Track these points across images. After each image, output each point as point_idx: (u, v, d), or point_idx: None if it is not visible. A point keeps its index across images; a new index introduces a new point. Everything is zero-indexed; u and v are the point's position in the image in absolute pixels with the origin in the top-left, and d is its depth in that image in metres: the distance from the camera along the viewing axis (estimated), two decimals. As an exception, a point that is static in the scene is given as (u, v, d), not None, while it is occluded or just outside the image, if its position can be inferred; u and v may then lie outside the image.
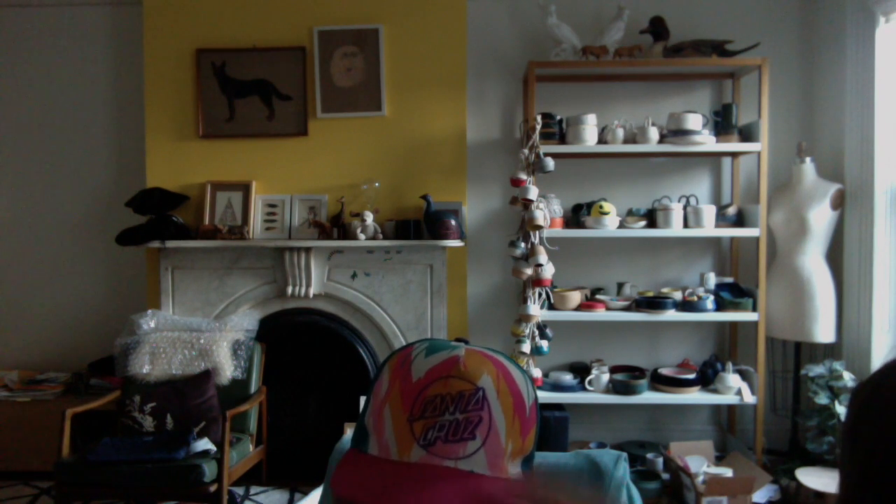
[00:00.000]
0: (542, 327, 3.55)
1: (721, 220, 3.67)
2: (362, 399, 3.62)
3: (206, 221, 3.75)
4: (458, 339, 0.83)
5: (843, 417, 3.18)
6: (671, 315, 3.61)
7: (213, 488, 2.94)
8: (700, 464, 3.31)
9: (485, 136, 3.98)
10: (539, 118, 3.56)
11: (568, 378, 3.67)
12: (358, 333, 3.78)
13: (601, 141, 3.66)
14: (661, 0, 3.85)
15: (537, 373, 3.54)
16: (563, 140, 3.65)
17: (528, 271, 3.48)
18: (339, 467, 0.76)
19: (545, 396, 3.62)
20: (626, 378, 3.67)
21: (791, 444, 3.73)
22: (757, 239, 3.59)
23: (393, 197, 3.78)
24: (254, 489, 3.57)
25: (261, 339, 3.64)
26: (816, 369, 3.37)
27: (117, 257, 4.07)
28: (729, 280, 3.80)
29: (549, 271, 3.47)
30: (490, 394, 0.76)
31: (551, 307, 3.66)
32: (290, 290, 3.71)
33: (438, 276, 3.73)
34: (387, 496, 0.71)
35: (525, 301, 3.53)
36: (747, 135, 3.67)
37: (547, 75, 3.82)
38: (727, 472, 3.23)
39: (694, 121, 3.57)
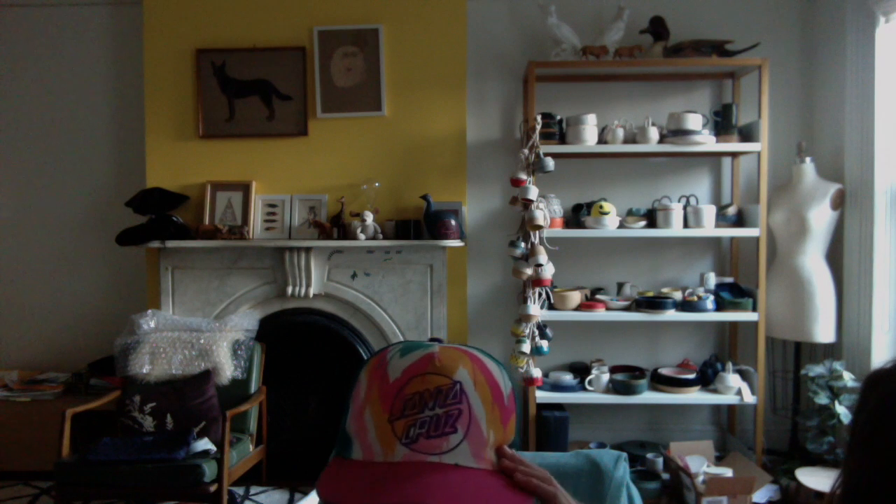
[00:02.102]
0: (542, 327, 3.55)
1: (721, 220, 3.67)
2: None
3: (206, 221, 3.75)
4: (432, 339, 0.84)
5: (843, 417, 3.18)
6: (671, 315, 3.61)
7: (213, 488, 2.94)
8: (700, 464, 3.31)
9: (485, 136, 3.98)
10: (539, 118, 3.56)
11: (568, 378, 3.67)
12: (358, 333, 3.78)
13: (601, 141, 3.66)
14: (661, 0, 3.85)
15: (537, 373, 3.53)
16: (563, 140, 3.65)
17: (528, 271, 3.48)
18: (325, 473, 0.77)
19: (545, 396, 3.62)
20: (626, 378, 3.67)
21: (791, 444, 3.73)
22: (757, 239, 3.59)
23: (393, 197, 3.78)
24: (254, 489, 3.57)
25: (261, 339, 3.64)
26: (816, 369, 3.37)
27: (117, 257, 4.07)
28: (729, 280, 3.80)
29: (549, 271, 3.47)
30: (467, 386, 0.77)
31: (551, 307, 3.66)
32: (290, 290, 3.71)
33: (438, 276, 3.73)
34: (372, 494, 0.71)
35: (525, 301, 3.52)
36: (747, 135, 3.67)
37: (547, 75, 3.82)
38: (727, 472, 3.23)
39: (694, 121, 3.57)
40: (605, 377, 3.65)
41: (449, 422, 0.75)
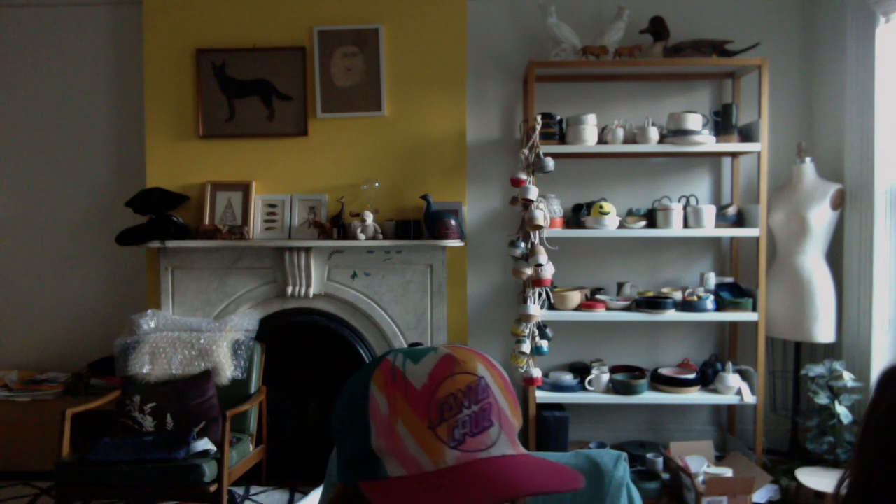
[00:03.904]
0: (542, 327, 3.55)
1: (721, 220, 3.67)
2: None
3: (206, 221, 3.75)
4: (412, 345, 0.85)
5: (843, 417, 3.18)
6: (671, 315, 3.61)
7: (213, 488, 2.94)
8: (700, 464, 3.31)
9: (485, 136, 3.98)
10: (539, 118, 3.56)
11: (568, 378, 3.67)
12: (358, 333, 3.78)
13: (601, 141, 3.65)
14: (661, 0, 3.85)
15: (537, 373, 3.53)
16: (563, 140, 3.65)
17: (528, 271, 3.48)
18: (377, 494, 0.74)
19: (545, 396, 3.62)
20: (626, 378, 3.67)
21: (791, 444, 3.73)
22: (757, 239, 3.59)
23: (393, 197, 3.78)
24: (254, 489, 3.57)
25: (261, 339, 3.64)
26: (816, 369, 3.37)
27: (117, 257, 4.07)
28: (729, 280, 3.80)
29: (549, 271, 3.47)
30: (489, 380, 0.79)
31: (551, 307, 3.66)
32: (290, 290, 3.71)
33: (438, 276, 3.73)
34: (451, 500, 0.70)
35: (525, 301, 3.52)
36: (747, 135, 3.67)
37: (547, 75, 3.82)
38: (727, 472, 3.23)
39: (694, 121, 3.57)
40: (605, 377, 3.65)
41: (485, 416, 0.76)
